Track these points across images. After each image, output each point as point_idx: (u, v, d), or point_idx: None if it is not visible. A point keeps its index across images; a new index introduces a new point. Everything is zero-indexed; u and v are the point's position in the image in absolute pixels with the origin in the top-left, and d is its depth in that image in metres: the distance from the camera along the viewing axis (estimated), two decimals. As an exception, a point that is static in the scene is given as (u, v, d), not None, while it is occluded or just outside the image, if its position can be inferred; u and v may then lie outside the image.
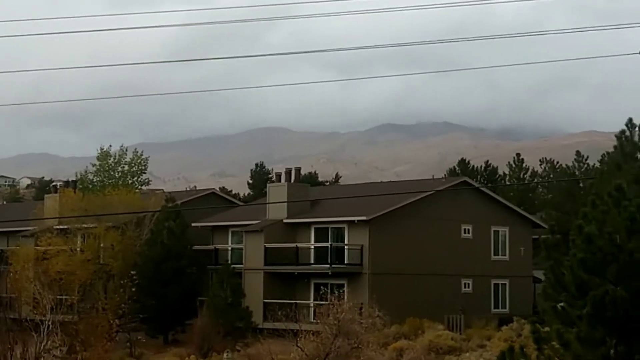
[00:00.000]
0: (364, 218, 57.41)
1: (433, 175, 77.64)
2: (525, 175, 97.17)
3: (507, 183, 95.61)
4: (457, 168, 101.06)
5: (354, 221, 58.11)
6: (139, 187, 75.91)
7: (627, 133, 27.94)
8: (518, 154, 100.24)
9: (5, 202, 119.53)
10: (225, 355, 47.55)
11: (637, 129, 27.90)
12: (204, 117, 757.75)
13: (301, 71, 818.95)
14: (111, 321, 49.48)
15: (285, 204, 60.72)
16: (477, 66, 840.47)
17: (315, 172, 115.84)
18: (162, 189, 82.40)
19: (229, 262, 59.82)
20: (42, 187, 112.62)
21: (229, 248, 64.32)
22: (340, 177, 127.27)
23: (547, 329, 20.72)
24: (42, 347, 35.77)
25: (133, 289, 55.96)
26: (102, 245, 61.73)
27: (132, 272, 57.69)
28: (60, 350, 36.64)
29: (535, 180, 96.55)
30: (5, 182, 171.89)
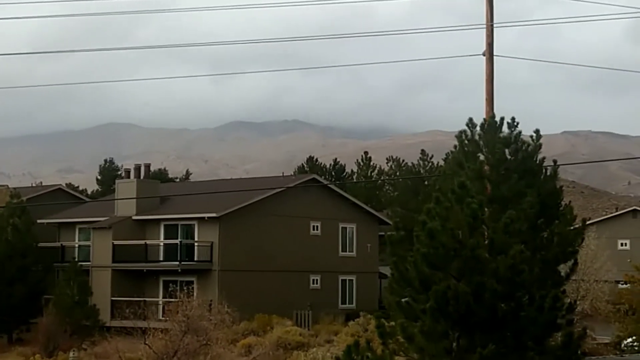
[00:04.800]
0: (214, 215, 57.37)
1: (283, 173, 78.12)
2: (372, 174, 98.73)
3: (355, 181, 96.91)
4: (305, 166, 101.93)
5: (204, 218, 58.01)
6: (-17, 183, 74.05)
7: (468, 132, 28.63)
8: (366, 152, 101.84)
9: None
10: (71, 354, 46.81)
11: (477, 128, 28.63)
12: (58, 111, 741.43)
13: (170, 67, 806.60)
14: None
15: (135, 200, 60.17)
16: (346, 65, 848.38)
17: (165, 168, 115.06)
18: (7, 185, 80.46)
19: (76, 259, 58.95)
20: None
21: (76, 245, 63.35)
22: (191, 174, 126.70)
23: (392, 323, 21.17)
24: None
25: (-24, 288, 54.66)
26: (-57, 242, 59.97)
27: (-26, 270, 56.27)
28: None
29: (382, 178, 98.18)
30: None
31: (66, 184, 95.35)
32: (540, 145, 29.21)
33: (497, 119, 29.19)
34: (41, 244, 60.34)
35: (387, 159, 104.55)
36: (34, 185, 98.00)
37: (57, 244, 63.50)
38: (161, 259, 58.86)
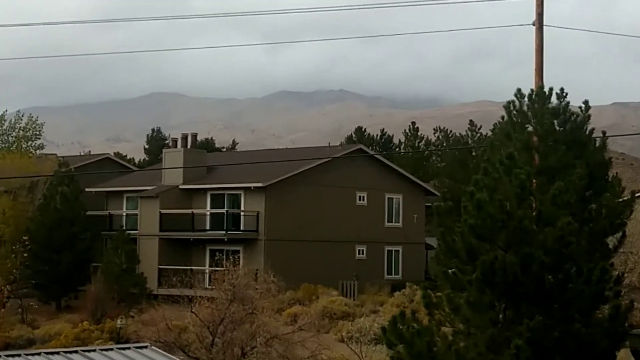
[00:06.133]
0: (260, 184, 57.48)
1: (329, 143, 78.02)
2: (419, 144, 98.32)
3: (402, 151, 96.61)
4: (354, 136, 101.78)
5: (250, 188, 58.16)
6: (33, 151, 74.72)
7: (516, 103, 28.33)
8: (413, 123, 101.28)
9: None
10: (119, 321, 47.18)
11: (525, 99, 28.33)
12: (107, 80, 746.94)
13: (224, 36, 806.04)
14: (2, 287, 48.83)
15: (182, 169, 60.47)
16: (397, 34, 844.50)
17: (212, 138, 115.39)
18: (56, 154, 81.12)
19: (124, 228, 59.38)
20: None
21: (124, 214, 63.84)
22: (237, 143, 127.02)
23: (438, 294, 21.10)
24: None
25: (25, 255, 55.22)
26: (-7, 210, 60.65)
27: (24, 238, 56.83)
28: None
29: (429, 148, 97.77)
30: None
31: (114, 153, 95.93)
32: (589, 116, 28.87)
33: (546, 89, 28.87)
34: (89, 213, 60.84)
35: (434, 129, 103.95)
36: (82, 154, 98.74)
37: (105, 213, 64.02)
38: (208, 228, 59.14)
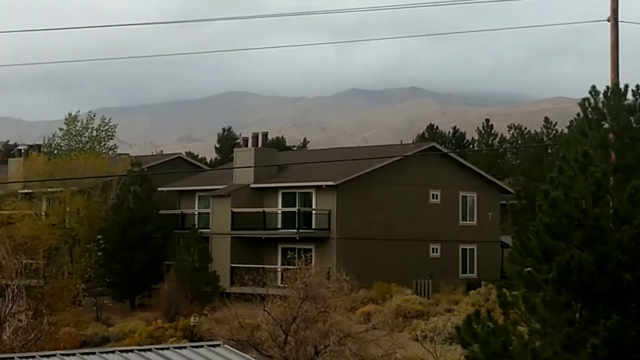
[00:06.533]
0: (331, 183, 57.40)
1: (401, 141, 77.57)
2: (493, 141, 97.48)
3: (476, 149, 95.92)
4: (426, 133, 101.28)
5: (321, 186, 58.10)
6: (107, 152, 75.52)
7: (592, 100, 27.97)
8: (487, 120, 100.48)
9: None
10: (192, 319, 47.45)
11: (600, 96, 27.94)
12: (179, 80, 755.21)
13: (295, 35, 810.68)
14: (77, 285, 49.33)
15: (253, 168, 60.62)
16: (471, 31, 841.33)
17: (282, 137, 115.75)
18: (128, 154, 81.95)
19: (196, 226, 59.71)
20: (6, 151, 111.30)
21: (196, 213, 64.19)
22: (308, 142, 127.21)
23: (514, 293, 20.83)
24: (7, 312, 35.65)
25: (99, 254, 55.83)
26: (67, 209, 61.42)
27: (98, 237, 57.47)
28: (26, 314, 36.50)
29: (504, 146, 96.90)
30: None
31: (186, 153, 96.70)
32: (666, 113, 28.44)
33: (622, 86, 28.45)
34: (162, 212, 61.28)
35: (509, 126, 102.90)
36: (154, 153, 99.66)
37: (177, 212, 64.43)
38: (279, 226, 59.23)
